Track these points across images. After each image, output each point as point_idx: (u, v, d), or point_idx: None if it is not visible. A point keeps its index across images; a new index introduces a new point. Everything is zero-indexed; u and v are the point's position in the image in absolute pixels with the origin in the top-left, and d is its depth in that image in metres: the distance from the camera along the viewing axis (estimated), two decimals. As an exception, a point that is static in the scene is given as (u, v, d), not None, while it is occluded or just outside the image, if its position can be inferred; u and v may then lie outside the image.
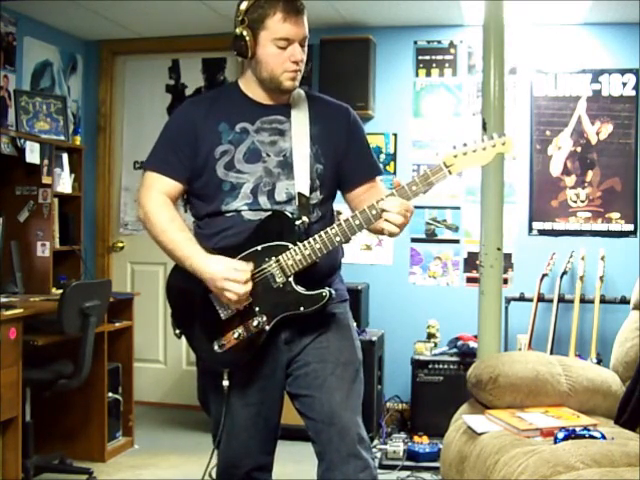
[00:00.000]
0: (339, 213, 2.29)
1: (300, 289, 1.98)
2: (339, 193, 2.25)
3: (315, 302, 1.97)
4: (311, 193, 2.08)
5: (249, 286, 1.96)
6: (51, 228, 4.13)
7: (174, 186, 2.11)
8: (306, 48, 2.08)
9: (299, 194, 2.05)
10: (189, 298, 2.07)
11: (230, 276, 1.94)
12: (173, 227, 2.05)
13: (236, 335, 2.00)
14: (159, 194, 2.09)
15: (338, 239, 1.94)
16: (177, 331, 2.15)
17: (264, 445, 2.17)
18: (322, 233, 1.95)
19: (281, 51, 2.02)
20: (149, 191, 2.10)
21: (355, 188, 2.20)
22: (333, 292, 1.99)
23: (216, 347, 2.03)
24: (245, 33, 2.03)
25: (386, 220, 1.91)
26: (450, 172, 1.89)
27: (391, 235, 1.95)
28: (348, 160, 2.17)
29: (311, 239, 1.96)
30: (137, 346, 4.29)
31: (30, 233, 4.06)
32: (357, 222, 1.93)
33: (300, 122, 2.11)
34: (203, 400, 2.22)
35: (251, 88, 2.12)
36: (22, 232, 4.05)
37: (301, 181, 2.06)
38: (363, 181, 2.20)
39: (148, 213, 2.08)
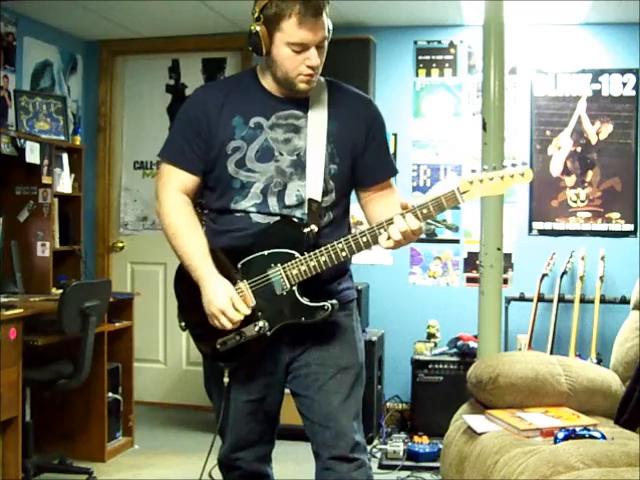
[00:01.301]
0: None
1: (303, 300, 1.97)
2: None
3: (316, 314, 1.96)
4: (324, 196, 2.04)
5: (237, 324, 1.96)
6: (51, 228, 4.13)
7: (191, 179, 2.08)
8: (325, 48, 2.00)
9: (310, 200, 2.02)
10: (195, 294, 2.06)
11: (226, 310, 1.95)
12: (186, 232, 2.04)
13: (238, 337, 2.00)
14: (177, 192, 2.07)
15: (344, 254, 1.93)
16: (182, 324, 2.14)
17: (263, 436, 2.18)
18: (329, 246, 1.93)
19: (296, 54, 1.95)
20: (166, 187, 2.08)
21: (369, 188, 2.16)
22: (336, 304, 1.97)
23: (218, 346, 2.03)
24: (260, 30, 1.94)
25: (387, 233, 1.88)
26: (464, 199, 1.86)
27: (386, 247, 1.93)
28: (365, 158, 2.11)
29: (317, 251, 1.93)
30: (137, 346, 4.29)
31: (30, 233, 4.06)
32: (365, 239, 1.91)
33: (317, 118, 2.05)
34: (208, 389, 2.23)
35: (268, 80, 2.07)
36: (22, 232, 4.05)
37: (313, 183, 2.02)
38: (378, 182, 2.16)
39: (164, 213, 2.07)
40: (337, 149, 2.06)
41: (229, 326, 1.96)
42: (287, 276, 1.96)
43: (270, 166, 2.03)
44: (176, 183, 2.08)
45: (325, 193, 2.05)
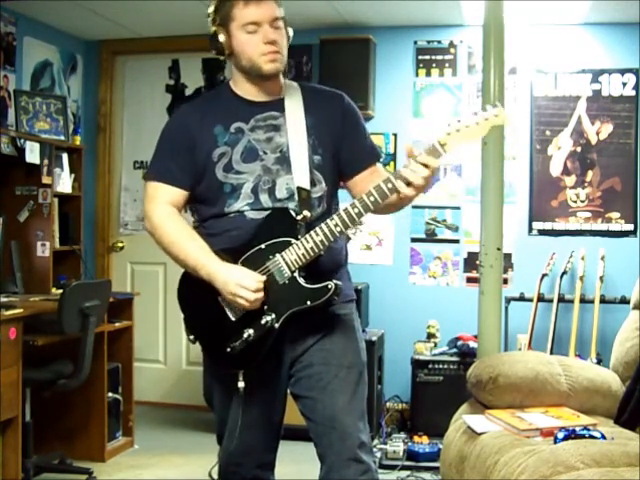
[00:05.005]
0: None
1: (305, 284, 1.97)
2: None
3: (321, 295, 1.96)
4: (314, 186, 2.07)
5: (260, 294, 1.95)
6: (51, 228, 4.13)
7: (178, 194, 2.10)
8: (283, 30, 2.06)
9: (299, 188, 2.04)
10: (200, 303, 2.07)
11: (242, 281, 1.94)
12: (183, 237, 2.05)
13: (246, 335, 1.99)
14: (164, 205, 2.08)
15: (338, 229, 1.94)
16: (191, 337, 2.12)
17: (267, 443, 2.17)
18: (322, 225, 1.95)
19: (252, 36, 2.02)
20: (153, 202, 2.10)
21: (355, 175, 2.18)
22: (339, 284, 1.97)
23: (228, 349, 2.01)
24: (217, 30, 2.07)
25: (406, 183, 1.87)
26: (445, 150, 1.87)
27: (411, 198, 1.92)
28: (346, 147, 2.15)
29: (312, 232, 1.95)
30: (137, 346, 4.29)
31: (30, 233, 4.06)
32: (356, 210, 1.92)
33: (295, 115, 2.10)
34: (209, 398, 2.22)
35: (241, 87, 2.12)
36: (22, 232, 4.05)
37: (300, 175, 2.05)
38: (363, 167, 2.17)
39: (155, 226, 2.08)
40: (318, 141, 2.10)
41: (251, 297, 1.93)
42: (287, 263, 1.97)
43: (256, 165, 2.06)
44: (164, 197, 2.09)
45: (313, 184, 2.07)
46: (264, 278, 1.97)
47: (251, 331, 1.99)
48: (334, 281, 1.96)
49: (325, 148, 2.11)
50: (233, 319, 2.03)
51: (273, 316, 1.99)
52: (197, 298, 2.07)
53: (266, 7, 2.02)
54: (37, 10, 4.41)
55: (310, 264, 1.97)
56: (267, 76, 2.06)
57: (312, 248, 1.95)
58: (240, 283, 1.93)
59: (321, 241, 1.95)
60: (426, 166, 1.87)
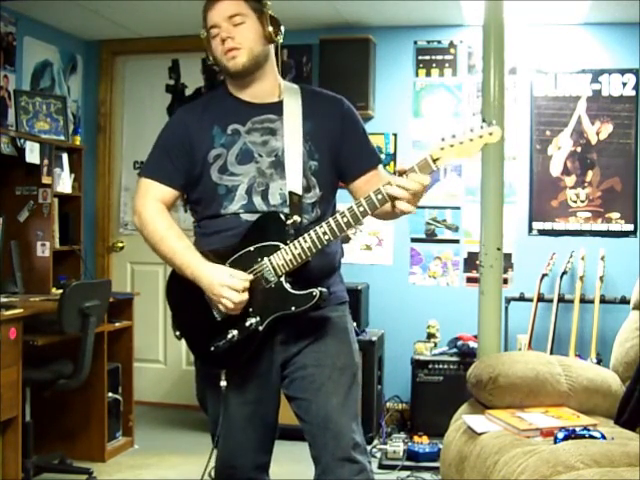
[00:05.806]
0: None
1: (292, 290, 1.96)
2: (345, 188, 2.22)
3: (305, 302, 1.95)
4: (309, 191, 2.07)
5: (245, 295, 1.95)
6: (51, 228, 4.13)
7: (169, 192, 2.10)
8: (248, 23, 2.03)
9: (290, 193, 2.03)
10: (187, 301, 2.07)
11: (227, 282, 1.94)
12: (171, 235, 2.05)
13: (231, 336, 1.98)
14: (154, 201, 2.09)
15: (327, 237, 1.92)
16: (177, 333, 2.15)
17: (261, 444, 2.16)
18: (311, 232, 1.93)
19: (215, 39, 2.05)
20: (144, 198, 2.10)
21: (356, 179, 2.17)
22: (324, 291, 1.96)
23: (212, 348, 2.01)
24: (203, 36, 2.09)
25: (398, 199, 1.86)
26: (437, 165, 1.86)
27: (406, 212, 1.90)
28: (346, 151, 2.14)
29: (301, 238, 1.94)
30: (137, 346, 4.29)
31: (30, 233, 4.06)
32: (345, 220, 1.91)
33: (292, 119, 2.09)
34: (201, 399, 2.22)
35: (233, 89, 2.13)
36: (22, 232, 4.05)
37: (293, 180, 2.04)
38: (363, 171, 2.16)
39: (144, 221, 2.08)
40: (315, 146, 2.09)
41: (236, 298, 1.93)
42: (274, 267, 1.96)
43: (251, 167, 2.06)
44: (155, 194, 2.10)
45: (308, 189, 2.07)
46: (251, 277, 1.96)
47: (235, 332, 1.98)
48: (319, 288, 1.95)
49: (322, 154, 2.10)
50: (219, 319, 2.03)
51: (258, 319, 1.98)
52: (184, 296, 2.07)
53: (221, 7, 2.03)
54: (37, 10, 4.41)
55: (301, 268, 1.96)
56: (236, 74, 2.07)
57: (299, 254, 1.94)
58: (226, 284, 1.93)
59: (309, 248, 1.93)
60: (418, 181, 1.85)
